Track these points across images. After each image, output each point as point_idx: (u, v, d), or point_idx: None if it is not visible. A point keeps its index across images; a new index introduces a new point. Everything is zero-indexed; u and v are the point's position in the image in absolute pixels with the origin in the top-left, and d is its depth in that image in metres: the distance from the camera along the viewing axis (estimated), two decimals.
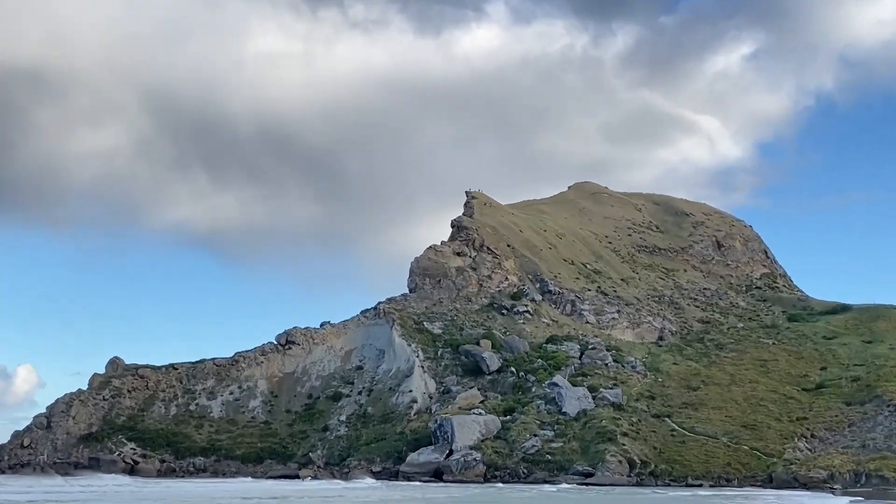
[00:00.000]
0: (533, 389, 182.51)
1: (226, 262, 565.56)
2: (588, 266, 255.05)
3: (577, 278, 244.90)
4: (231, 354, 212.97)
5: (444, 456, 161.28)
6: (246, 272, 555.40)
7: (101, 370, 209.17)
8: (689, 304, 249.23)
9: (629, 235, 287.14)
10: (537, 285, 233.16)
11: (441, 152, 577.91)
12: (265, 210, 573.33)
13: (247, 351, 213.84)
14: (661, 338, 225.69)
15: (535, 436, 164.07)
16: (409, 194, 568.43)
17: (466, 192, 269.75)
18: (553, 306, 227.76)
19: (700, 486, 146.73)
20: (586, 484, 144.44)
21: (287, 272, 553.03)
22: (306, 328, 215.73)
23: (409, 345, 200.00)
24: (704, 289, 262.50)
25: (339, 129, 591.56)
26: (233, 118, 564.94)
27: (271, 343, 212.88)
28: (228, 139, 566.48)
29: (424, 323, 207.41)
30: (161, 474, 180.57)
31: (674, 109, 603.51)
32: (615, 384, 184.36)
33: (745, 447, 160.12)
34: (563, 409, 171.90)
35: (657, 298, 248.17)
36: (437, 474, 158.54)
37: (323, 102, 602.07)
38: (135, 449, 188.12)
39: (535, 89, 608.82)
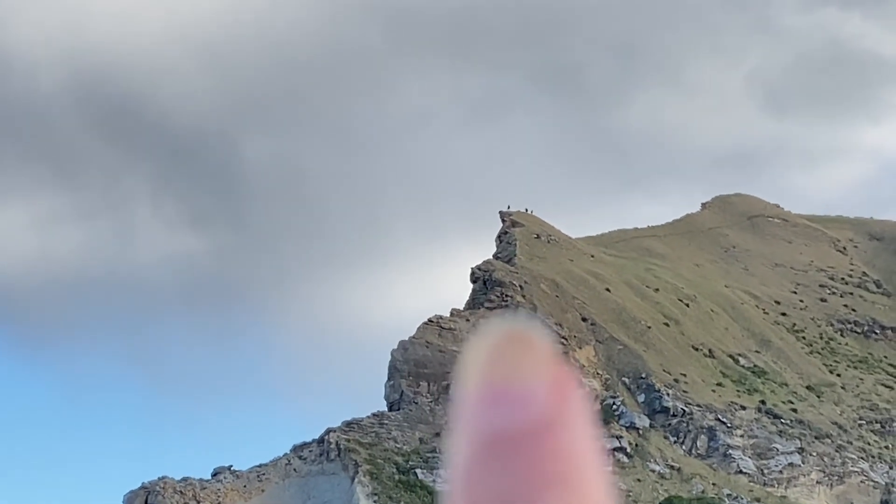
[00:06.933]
0: None
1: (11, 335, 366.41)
2: (742, 361, 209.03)
3: (720, 385, 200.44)
4: None
5: None
6: (47, 359, 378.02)
7: None
8: None
9: (822, 301, 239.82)
10: (640, 398, 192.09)
11: (446, 128, 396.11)
12: (89, 239, 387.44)
13: None
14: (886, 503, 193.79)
15: None
16: (384, 209, 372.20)
17: (502, 212, 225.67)
18: (672, 439, 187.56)
19: None
20: None
21: (133, 361, 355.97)
22: (183, 481, 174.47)
23: None
24: None
25: (236, 94, 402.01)
26: (28, 67, 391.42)
27: None
28: (17, 97, 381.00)
29: (417, 471, 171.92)
30: None
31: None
32: None
33: None
34: None
35: (879, 425, 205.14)
36: None
37: (201, 42, 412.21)
38: None
39: (625, 14, 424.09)
